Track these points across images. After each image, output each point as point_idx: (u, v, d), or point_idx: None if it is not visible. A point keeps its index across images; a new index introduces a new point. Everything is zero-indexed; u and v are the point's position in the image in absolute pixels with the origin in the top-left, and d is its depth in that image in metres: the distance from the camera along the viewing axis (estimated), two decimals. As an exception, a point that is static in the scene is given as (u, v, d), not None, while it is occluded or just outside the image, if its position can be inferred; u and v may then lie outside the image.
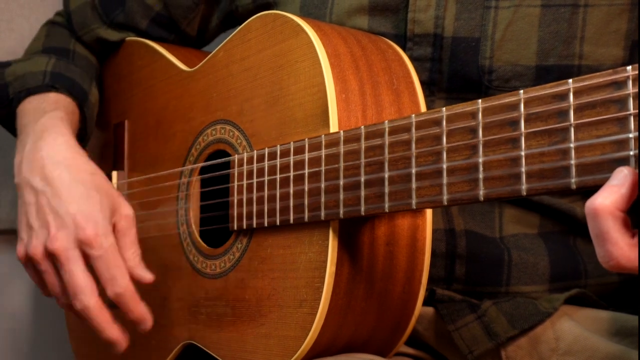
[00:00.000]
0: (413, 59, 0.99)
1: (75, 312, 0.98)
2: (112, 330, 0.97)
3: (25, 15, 1.48)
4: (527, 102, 0.67)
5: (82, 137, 1.18)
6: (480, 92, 1.00)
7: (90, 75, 1.23)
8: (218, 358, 0.99)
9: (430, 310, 1.01)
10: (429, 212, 0.91)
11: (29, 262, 1.00)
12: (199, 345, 1.03)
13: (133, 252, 0.99)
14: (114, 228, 0.99)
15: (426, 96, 0.99)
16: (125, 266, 0.97)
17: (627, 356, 0.90)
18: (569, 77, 0.96)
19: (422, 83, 0.98)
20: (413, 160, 0.76)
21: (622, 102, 0.61)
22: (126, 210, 1.01)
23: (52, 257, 0.97)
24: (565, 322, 0.96)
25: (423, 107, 0.94)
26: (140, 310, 0.98)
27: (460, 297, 1.00)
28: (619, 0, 0.97)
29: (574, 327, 0.95)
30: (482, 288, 1.00)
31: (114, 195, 1.01)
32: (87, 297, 0.95)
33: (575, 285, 1.00)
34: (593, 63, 0.98)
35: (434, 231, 0.96)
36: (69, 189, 0.98)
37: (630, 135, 0.60)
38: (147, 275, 0.99)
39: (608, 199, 0.58)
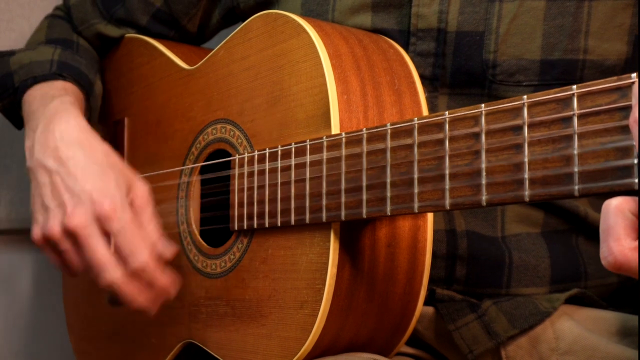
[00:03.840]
0: (416, 54, 0.98)
1: (101, 287, 0.96)
2: (141, 300, 0.95)
3: (25, 15, 1.48)
4: (531, 108, 0.67)
5: None
6: (484, 86, 0.99)
7: (94, 68, 1.23)
8: (218, 357, 0.99)
9: (430, 309, 1.01)
10: (430, 213, 0.91)
11: (47, 243, 0.98)
12: (199, 344, 1.03)
13: (153, 227, 0.97)
14: (131, 206, 0.97)
15: (429, 92, 0.99)
16: (147, 242, 0.95)
17: (627, 356, 0.90)
18: (574, 72, 0.97)
19: (425, 78, 0.98)
20: (415, 164, 0.76)
21: (626, 110, 0.60)
22: (141, 187, 0.99)
23: (71, 235, 0.95)
24: (565, 321, 0.96)
25: (424, 108, 0.93)
26: (164, 280, 0.96)
27: (460, 296, 1.00)
28: None
29: (574, 326, 0.95)
30: (482, 289, 1.00)
31: (128, 173, 1.00)
32: (112, 271, 0.93)
33: (576, 286, 1.00)
34: (597, 57, 0.97)
35: (435, 232, 0.96)
36: (84, 168, 0.97)
37: (635, 143, 0.60)
38: (168, 249, 0.97)
39: (627, 202, 0.59)
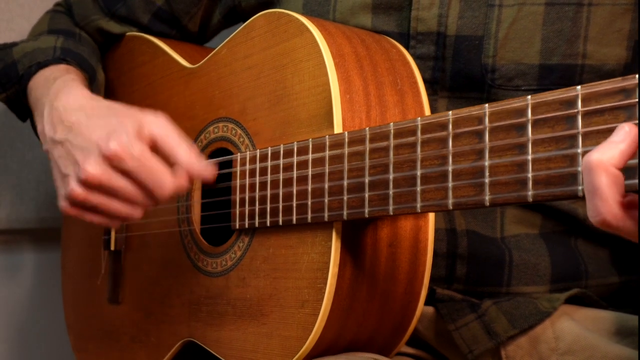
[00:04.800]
0: (416, 58, 0.98)
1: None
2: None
3: (25, 15, 1.48)
4: (535, 108, 0.67)
5: None
6: (483, 90, 0.99)
7: (96, 57, 1.23)
8: (218, 356, 0.99)
9: (430, 309, 1.01)
10: (431, 213, 0.91)
11: (77, 207, 0.95)
12: (199, 342, 1.03)
13: (184, 149, 0.91)
14: (150, 140, 0.92)
15: (429, 95, 0.99)
16: (183, 166, 0.91)
17: (626, 356, 0.90)
18: (573, 76, 0.97)
19: (425, 82, 0.98)
20: (418, 163, 0.76)
21: (631, 110, 0.60)
22: (153, 117, 0.94)
23: (92, 187, 0.92)
24: (565, 321, 0.96)
25: (427, 108, 0.93)
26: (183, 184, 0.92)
27: (460, 296, 1.00)
28: (622, 0, 0.97)
29: (574, 326, 0.95)
30: (482, 288, 1.00)
31: (136, 113, 0.95)
32: (141, 205, 0.92)
33: (576, 286, 1.00)
34: (596, 62, 0.98)
35: (435, 230, 0.96)
36: (88, 125, 0.95)
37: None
38: (208, 170, 0.92)
39: (605, 154, 0.59)
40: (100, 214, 0.96)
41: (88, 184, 0.92)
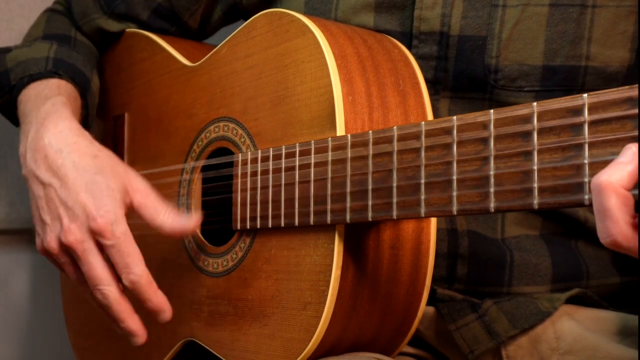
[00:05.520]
0: (418, 57, 0.98)
1: (95, 302, 0.97)
2: (132, 321, 0.96)
3: (25, 15, 1.47)
4: (541, 115, 0.67)
5: (85, 125, 1.16)
6: (486, 91, 0.99)
7: (91, 63, 1.22)
8: (219, 356, 0.99)
9: (431, 309, 1.01)
10: (433, 215, 0.91)
11: (49, 255, 1.00)
12: (200, 342, 1.03)
13: (163, 214, 0.97)
14: (131, 206, 0.97)
15: (431, 95, 0.98)
16: (165, 232, 0.96)
17: (627, 356, 0.91)
18: (576, 78, 0.97)
19: (427, 81, 0.98)
20: (422, 168, 0.75)
21: (637, 119, 0.60)
22: (137, 184, 0.98)
23: (68, 250, 0.96)
24: (565, 321, 0.96)
25: (429, 109, 0.93)
26: (158, 298, 0.96)
27: (461, 296, 1.00)
28: (627, 1, 0.96)
29: (575, 326, 0.95)
30: (483, 288, 1.00)
31: (122, 173, 0.98)
32: (106, 287, 0.94)
33: (577, 286, 1.00)
34: (600, 64, 0.97)
35: (437, 231, 0.96)
36: (75, 178, 0.96)
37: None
38: (191, 222, 0.96)
39: (614, 175, 0.58)
40: (61, 268, 1.00)
41: (64, 246, 0.95)
